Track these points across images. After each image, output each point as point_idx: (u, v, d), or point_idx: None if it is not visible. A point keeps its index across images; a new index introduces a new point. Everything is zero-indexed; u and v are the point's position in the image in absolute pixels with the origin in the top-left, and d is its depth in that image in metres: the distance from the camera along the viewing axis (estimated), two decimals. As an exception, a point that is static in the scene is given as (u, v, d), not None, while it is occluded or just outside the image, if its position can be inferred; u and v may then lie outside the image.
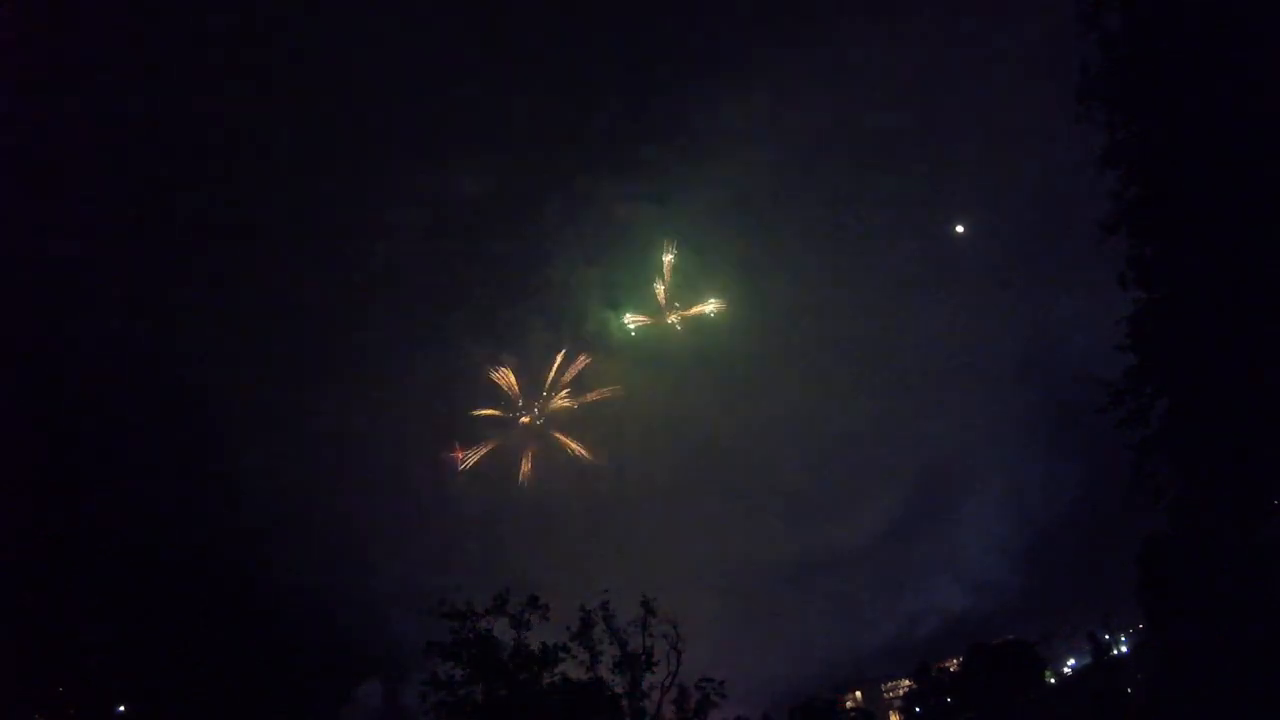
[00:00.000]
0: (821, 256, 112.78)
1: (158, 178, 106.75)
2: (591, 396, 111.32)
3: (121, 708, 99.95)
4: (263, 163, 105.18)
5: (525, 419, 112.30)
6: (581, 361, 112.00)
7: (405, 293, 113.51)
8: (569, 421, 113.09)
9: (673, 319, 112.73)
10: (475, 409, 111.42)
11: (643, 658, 63.21)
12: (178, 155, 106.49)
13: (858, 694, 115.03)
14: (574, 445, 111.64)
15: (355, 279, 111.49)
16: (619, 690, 63.14)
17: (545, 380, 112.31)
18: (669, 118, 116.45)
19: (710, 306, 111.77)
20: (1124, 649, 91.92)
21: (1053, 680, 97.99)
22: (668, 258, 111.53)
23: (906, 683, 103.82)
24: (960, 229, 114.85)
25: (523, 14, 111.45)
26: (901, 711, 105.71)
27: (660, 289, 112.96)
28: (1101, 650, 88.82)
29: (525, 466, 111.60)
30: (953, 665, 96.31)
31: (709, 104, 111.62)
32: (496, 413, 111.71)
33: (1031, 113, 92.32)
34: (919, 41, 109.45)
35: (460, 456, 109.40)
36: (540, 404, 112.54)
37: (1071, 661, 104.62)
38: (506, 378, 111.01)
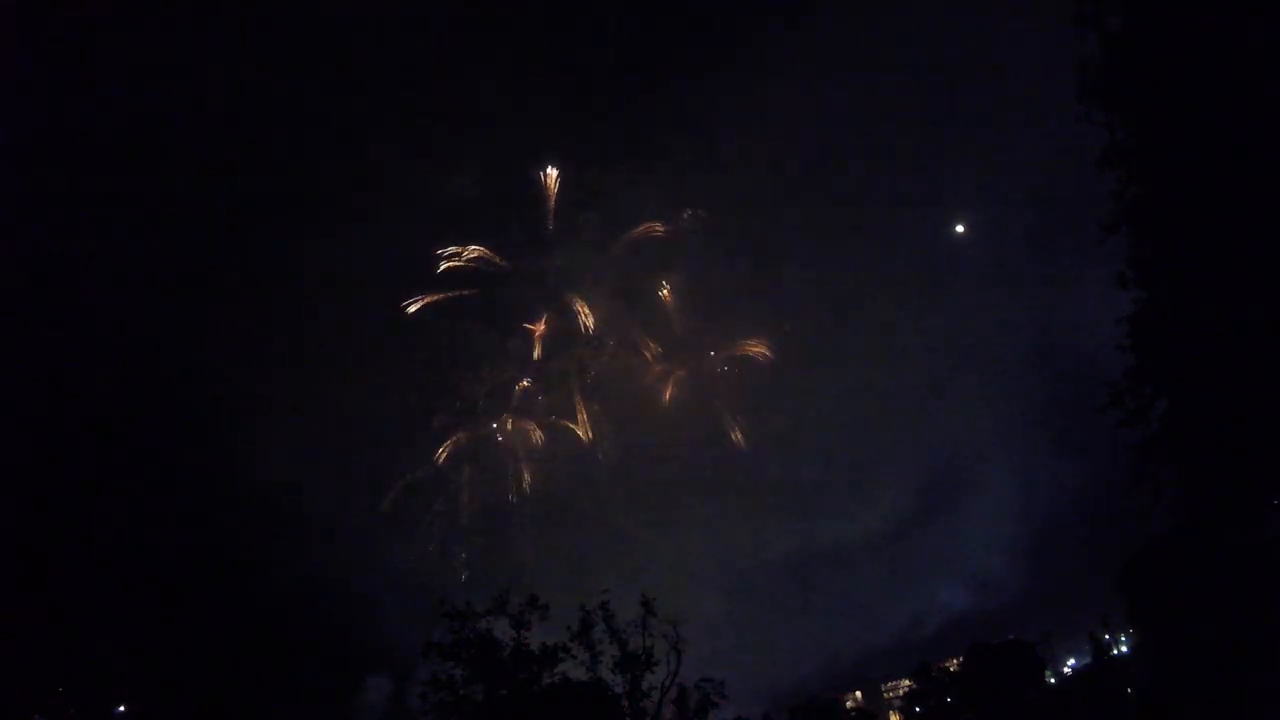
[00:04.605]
0: (824, 252, 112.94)
1: (155, 173, 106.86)
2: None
3: (122, 708, 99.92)
4: (261, 158, 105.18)
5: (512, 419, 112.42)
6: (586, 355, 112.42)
7: (405, 285, 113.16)
8: (568, 411, 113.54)
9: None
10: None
11: (643, 658, 63.24)
12: (176, 152, 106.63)
13: (858, 694, 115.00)
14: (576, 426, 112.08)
15: (355, 274, 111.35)
16: (619, 690, 63.17)
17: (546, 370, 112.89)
18: (675, 109, 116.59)
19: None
20: (1124, 649, 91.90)
21: (1053, 680, 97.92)
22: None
23: (906, 683, 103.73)
24: (960, 228, 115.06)
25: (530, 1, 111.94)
26: (901, 711, 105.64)
27: (666, 294, 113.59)
28: (1101, 650, 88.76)
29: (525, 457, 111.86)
30: (953, 665, 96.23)
31: (712, 99, 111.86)
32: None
33: (1034, 111, 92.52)
34: (923, 41, 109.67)
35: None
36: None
37: (1071, 661, 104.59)
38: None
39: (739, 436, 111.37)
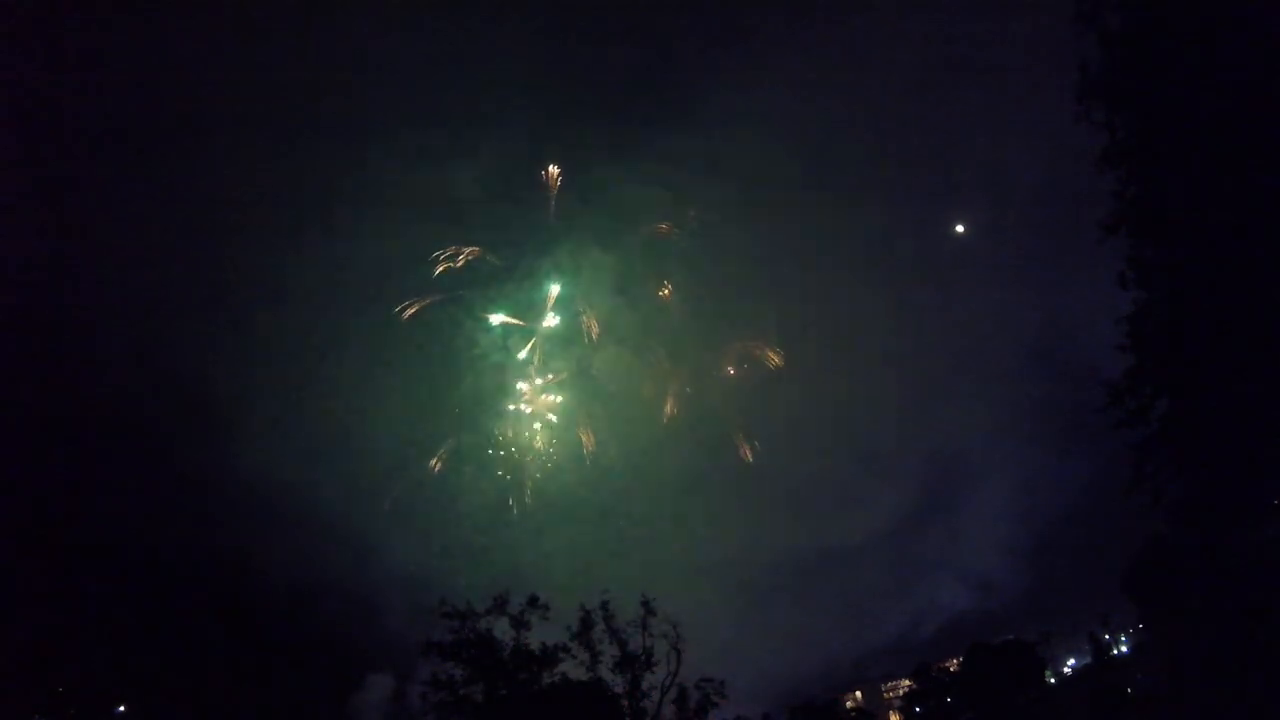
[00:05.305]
0: (824, 252, 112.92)
1: (156, 174, 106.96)
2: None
3: (122, 708, 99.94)
4: (259, 156, 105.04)
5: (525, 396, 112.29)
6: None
7: (404, 284, 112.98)
8: (568, 412, 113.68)
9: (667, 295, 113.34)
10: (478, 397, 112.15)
11: (643, 658, 63.23)
12: (174, 151, 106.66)
13: (858, 694, 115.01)
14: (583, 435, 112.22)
15: (354, 273, 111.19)
16: (619, 690, 63.16)
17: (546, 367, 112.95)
18: (675, 109, 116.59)
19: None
20: (1124, 649, 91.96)
21: (1053, 680, 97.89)
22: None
23: (906, 683, 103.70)
24: (961, 228, 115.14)
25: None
26: (901, 711, 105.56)
27: (666, 294, 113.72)
28: (1101, 650, 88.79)
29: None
30: (953, 665, 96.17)
31: (713, 99, 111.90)
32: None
33: (1034, 111, 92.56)
34: (923, 41, 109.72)
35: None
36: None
37: (1071, 661, 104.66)
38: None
39: (744, 446, 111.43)
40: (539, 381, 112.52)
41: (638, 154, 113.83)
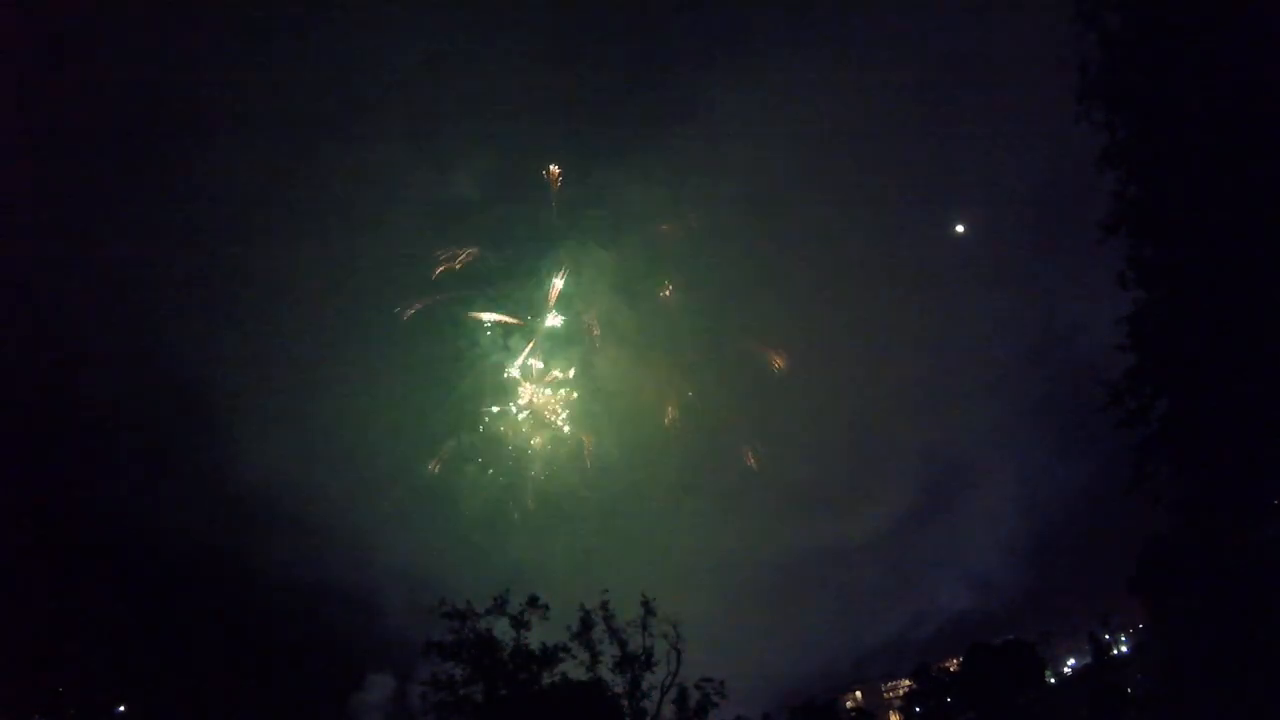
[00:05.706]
0: (825, 252, 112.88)
1: (156, 174, 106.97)
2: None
3: (122, 708, 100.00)
4: (259, 155, 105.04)
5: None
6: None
7: (404, 284, 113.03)
8: (569, 412, 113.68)
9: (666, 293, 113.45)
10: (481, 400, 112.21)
11: (642, 658, 63.22)
12: (175, 151, 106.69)
13: (858, 694, 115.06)
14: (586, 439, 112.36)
15: (353, 270, 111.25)
16: (619, 690, 63.16)
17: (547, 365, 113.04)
18: (677, 109, 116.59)
19: None
20: (1124, 649, 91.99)
21: (1053, 680, 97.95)
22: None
23: (906, 683, 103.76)
24: (961, 228, 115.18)
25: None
26: (901, 711, 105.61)
27: (667, 293, 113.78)
28: (1101, 650, 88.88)
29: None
30: (953, 665, 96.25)
31: (714, 99, 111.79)
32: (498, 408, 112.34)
33: (1034, 111, 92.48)
34: (923, 41, 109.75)
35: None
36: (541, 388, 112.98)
37: (1071, 661, 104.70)
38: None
39: (745, 448, 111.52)
40: (541, 368, 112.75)
41: (638, 154, 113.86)
